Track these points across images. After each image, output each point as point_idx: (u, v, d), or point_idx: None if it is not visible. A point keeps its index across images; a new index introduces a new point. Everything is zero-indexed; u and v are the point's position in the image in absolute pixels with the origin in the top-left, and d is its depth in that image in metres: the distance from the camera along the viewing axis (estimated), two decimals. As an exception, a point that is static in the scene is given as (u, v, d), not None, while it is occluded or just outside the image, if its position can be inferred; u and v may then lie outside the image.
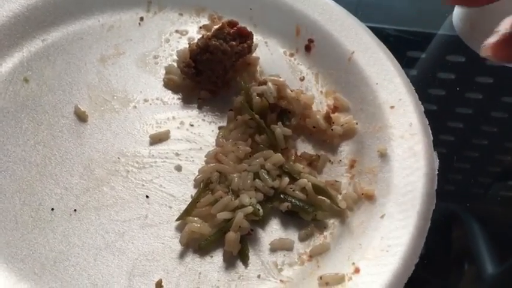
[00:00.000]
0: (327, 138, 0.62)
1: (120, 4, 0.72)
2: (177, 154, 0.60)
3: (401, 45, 0.71)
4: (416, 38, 0.79)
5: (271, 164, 0.57)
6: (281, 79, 0.62)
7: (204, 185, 0.57)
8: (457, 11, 0.76)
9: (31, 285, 0.50)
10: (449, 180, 0.58)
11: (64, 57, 0.67)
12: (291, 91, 0.62)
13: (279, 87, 0.61)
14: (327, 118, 0.62)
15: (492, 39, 0.41)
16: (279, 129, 0.59)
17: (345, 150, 0.62)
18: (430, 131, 0.60)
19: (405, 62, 0.67)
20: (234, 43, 0.62)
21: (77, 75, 0.65)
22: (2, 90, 0.63)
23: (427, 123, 0.60)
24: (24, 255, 0.51)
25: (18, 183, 0.56)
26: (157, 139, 0.61)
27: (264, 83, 0.61)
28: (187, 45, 0.67)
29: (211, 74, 0.63)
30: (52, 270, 0.51)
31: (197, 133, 0.62)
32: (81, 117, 0.62)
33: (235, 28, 0.63)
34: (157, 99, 0.65)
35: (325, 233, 0.56)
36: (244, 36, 0.64)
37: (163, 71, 0.67)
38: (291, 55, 0.70)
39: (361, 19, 0.70)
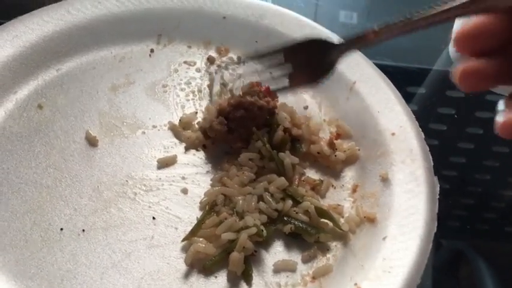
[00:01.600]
0: (330, 164, 0.63)
1: (131, 37, 0.75)
2: (183, 178, 0.62)
3: (400, 81, 0.72)
4: (414, 73, 0.81)
5: (275, 188, 0.59)
6: (289, 106, 0.65)
7: (210, 207, 0.58)
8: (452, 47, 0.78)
9: (38, 302, 0.51)
10: (453, 216, 0.59)
11: (77, 85, 0.70)
12: (299, 117, 0.65)
13: (289, 114, 0.63)
14: (331, 144, 0.64)
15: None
16: (288, 158, 0.60)
17: (348, 175, 0.63)
18: (431, 157, 0.61)
19: (405, 97, 0.68)
20: (269, 99, 0.63)
21: (89, 103, 0.68)
22: (16, 116, 0.65)
23: (428, 149, 0.62)
24: (33, 273, 0.53)
25: (29, 204, 0.58)
26: (165, 163, 0.62)
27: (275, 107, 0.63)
28: (208, 102, 0.69)
29: (244, 131, 0.62)
30: (59, 288, 0.52)
31: (203, 158, 0.64)
32: (92, 142, 0.64)
33: (264, 87, 0.64)
34: (165, 125, 0.67)
35: (328, 255, 0.56)
36: (270, 94, 0.64)
37: (171, 99, 0.70)
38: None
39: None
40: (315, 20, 0.87)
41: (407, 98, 0.68)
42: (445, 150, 0.69)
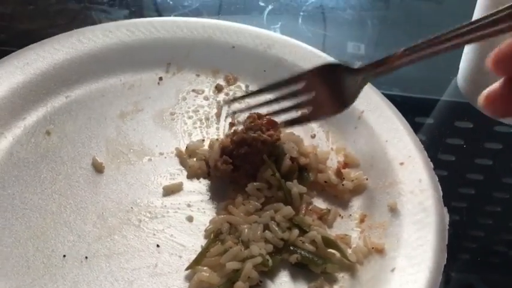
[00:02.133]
0: (337, 193, 0.63)
1: (141, 65, 0.76)
2: (189, 205, 0.61)
3: (408, 111, 0.72)
4: (423, 103, 0.80)
5: (281, 216, 0.58)
6: (296, 135, 0.64)
7: (214, 235, 0.57)
8: (461, 73, 0.78)
9: (38, 330, 0.49)
10: (464, 249, 0.58)
11: (85, 112, 0.70)
12: (306, 146, 0.64)
13: (296, 143, 0.63)
14: (338, 174, 0.63)
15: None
16: (295, 188, 0.59)
17: (355, 205, 0.62)
18: (440, 187, 0.60)
19: (413, 127, 0.67)
20: (272, 132, 0.62)
21: (97, 130, 0.68)
22: (24, 142, 0.65)
23: (437, 179, 0.61)
24: (34, 300, 0.52)
25: (33, 229, 0.57)
26: (170, 190, 0.62)
27: (282, 141, 0.63)
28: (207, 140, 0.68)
29: (250, 167, 0.61)
30: (60, 316, 0.51)
31: (209, 185, 0.64)
32: (98, 168, 0.64)
33: (265, 118, 0.63)
34: (171, 152, 0.67)
35: (334, 287, 0.55)
36: (273, 125, 0.63)
37: (179, 127, 0.70)
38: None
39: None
40: (323, 51, 0.89)
41: (416, 128, 0.68)
42: (454, 181, 0.68)
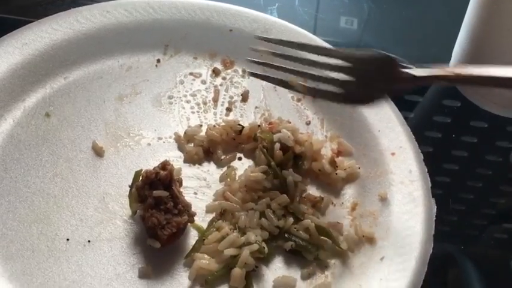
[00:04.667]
0: (330, 181, 0.65)
1: (139, 47, 0.76)
2: (186, 191, 0.63)
3: None
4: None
5: (276, 204, 0.60)
6: (291, 124, 0.66)
7: (210, 222, 0.59)
8: (454, 61, 0.80)
9: (44, 312, 0.52)
10: (445, 221, 0.61)
11: (84, 94, 0.71)
12: (301, 134, 0.66)
13: (291, 132, 0.64)
14: (332, 162, 0.65)
15: None
16: (291, 176, 0.61)
17: (347, 193, 0.65)
18: (429, 178, 0.63)
19: (403, 105, 0.70)
20: (180, 219, 0.57)
21: (96, 112, 0.69)
22: (24, 124, 0.66)
23: (426, 170, 0.64)
24: (39, 283, 0.54)
25: (36, 213, 0.59)
26: (169, 176, 0.64)
27: (278, 130, 0.64)
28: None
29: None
30: (65, 299, 0.53)
31: (207, 171, 0.65)
32: (98, 152, 0.65)
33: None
34: (170, 137, 0.68)
35: (326, 273, 0.58)
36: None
37: (177, 111, 0.71)
38: (298, 100, 0.74)
39: None
40: (315, 25, 0.90)
41: (406, 106, 0.71)
42: (439, 157, 0.70)
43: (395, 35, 0.92)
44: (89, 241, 0.58)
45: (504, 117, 0.76)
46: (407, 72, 0.52)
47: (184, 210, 0.57)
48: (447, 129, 0.77)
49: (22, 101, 0.68)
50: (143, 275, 0.56)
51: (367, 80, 0.53)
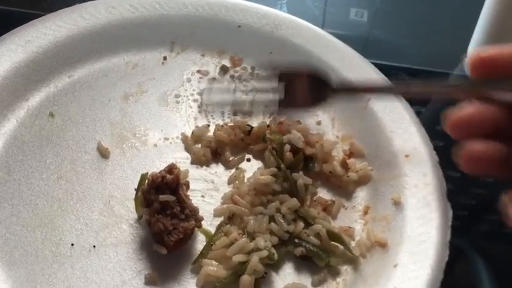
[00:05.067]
0: (342, 184, 0.63)
1: (145, 43, 0.74)
2: (194, 193, 0.61)
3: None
4: (425, 76, 0.81)
5: (286, 208, 0.58)
6: (301, 124, 0.64)
7: (218, 226, 0.58)
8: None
9: (48, 320, 0.51)
10: (454, 216, 0.59)
11: (89, 93, 0.69)
12: (312, 135, 0.64)
13: (302, 132, 0.63)
14: (344, 164, 0.63)
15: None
16: (301, 179, 0.60)
17: (359, 196, 0.63)
18: (444, 182, 0.61)
19: (415, 99, 0.69)
20: (188, 224, 0.55)
21: (101, 112, 0.68)
22: (28, 124, 0.65)
23: (441, 173, 0.62)
24: (44, 289, 0.53)
25: (40, 217, 0.58)
26: (176, 178, 0.62)
27: (288, 131, 0.63)
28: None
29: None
30: (70, 306, 0.52)
31: (215, 173, 0.64)
32: (103, 153, 0.64)
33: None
34: (177, 138, 0.66)
35: (338, 280, 0.56)
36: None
37: (184, 111, 0.69)
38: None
39: (370, 55, 0.73)
40: (324, 17, 0.88)
41: (417, 101, 0.70)
42: (449, 151, 0.69)
43: (406, 28, 0.90)
44: (94, 246, 0.56)
45: None
46: (328, 84, 0.56)
47: (192, 215, 0.55)
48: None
49: (26, 100, 0.67)
50: (149, 281, 0.54)
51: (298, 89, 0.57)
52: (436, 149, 0.63)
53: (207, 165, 0.64)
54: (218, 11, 0.76)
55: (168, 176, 0.56)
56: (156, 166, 0.63)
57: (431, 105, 0.77)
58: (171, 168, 0.57)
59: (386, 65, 0.74)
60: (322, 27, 0.77)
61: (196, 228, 0.56)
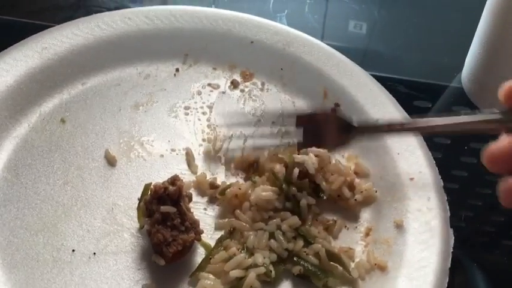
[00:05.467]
0: (348, 206, 0.63)
1: (158, 55, 0.75)
2: (196, 206, 0.62)
3: (408, 95, 0.77)
4: (423, 89, 0.81)
5: (287, 226, 0.58)
6: (323, 150, 0.63)
7: (218, 240, 0.58)
8: (466, 72, 0.78)
9: (44, 325, 0.51)
10: (453, 228, 0.59)
11: (100, 101, 0.70)
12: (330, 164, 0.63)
13: (321, 159, 0.62)
14: (351, 187, 0.63)
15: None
16: (304, 199, 0.60)
17: (362, 217, 0.63)
18: (448, 207, 0.60)
19: (413, 111, 0.69)
20: (187, 236, 0.55)
21: (111, 120, 0.69)
22: (39, 129, 0.66)
23: (446, 198, 0.61)
24: (42, 294, 0.53)
25: (44, 221, 0.58)
26: (179, 190, 0.62)
27: (305, 152, 0.62)
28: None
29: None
30: (66, 311, 0.52)
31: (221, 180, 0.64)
32: (110, 161, 0.64)
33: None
34: (183, 149, 0.67)
35: (335, 301, 0.56)
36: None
37: (192, 123, 0.70)
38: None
39: (369, 67, 0.74)
40: (324, 29, 0.89)
41: (415, 112, 0.69)
42: (448, 163, 0.69)
43: (405, 41, 0.91)
44: (94, 253, 0.57)
45: None
46: (350, 125, 0.59)
47: (192, 228, 0.56)
48: (456, 135, 0.76)
49: (38, 105, 0.68)
50: (147, 291, 0.55)
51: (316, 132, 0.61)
52: (435, 161, 0.64)
53: (213, 177, 0.65)
54: (232, 26, 0.77)
55: (171, 188, 0.56)
56: (161, 177, 0.64)
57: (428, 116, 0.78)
58: (174, 180, 0.57)
59: (385, 77, 0.75)
60: (322, 39, 0.78)
61: (196, 241, 0.56)
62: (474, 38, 0.75)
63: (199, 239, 0.56)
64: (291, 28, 0.78)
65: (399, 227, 0.60)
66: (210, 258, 0.56)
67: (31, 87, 0.68)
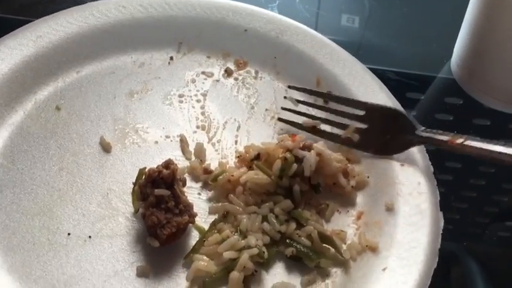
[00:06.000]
0: (344, 193, 0.63)
1: (152, 43, 0.76)
2: (190, 191, 0.63)
3: (400, 87, 0.77)
4: (415, 80, 0.82)
5: (280, 209, 0.59)
6: (328, 152, 0.62)
7: (212, 223, 0.59)
8: (455, 58, 0.79)
9: (41, 306, 0.52)
10: (448, 219, 0.60)
11: (95, 89, 0.71)
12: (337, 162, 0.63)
13: (321, 159, 0.61)
14: (345, 174, 0.63)
15: None
16: (297, 185, 0.60)
17: (354, 201, 0.64)
18: (438, 192, 0.61)
19: (405, 103, 0.70)
20: (182, 218, 0.56)
21: (105, 108, 0.69)
22: (34, 117, 0.67)
23: (436, 183, 0.62)
24: (38, 276, 0.54)
25: (40, 206, 0.59)
26: (173, 175, 0.63)
27: (309, 148, 0.61)
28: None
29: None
30: (62, 293, 0.53)
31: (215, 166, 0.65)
32: (105, 148, 0.65)
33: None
34: (178, 136, 0.68)
35: (327, 281, 0.57)
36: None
37: (186, 110, 0.70)
38: (310, 105, 0.73)
39: (363, 61, 0.75)
40: (317, 23, 0.90)
41: (408, 104, 0.72)
42: (441, 154, 0.69)
43: (396, 33, 0.92)
44: (89, 236, 0.58)
45: (506, 115, 0.76)
46: (414, 127, 0.61)
47: (186, 211, 0.56)
48: (449, 127, 0.75)
49: (34, 93, 0.69)
50: (141, 273, 0.55)
51: (376, 129, 0.63)
52: (428, 153, 0.65)
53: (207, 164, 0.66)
54: (226, 14, 0.78)
55: (165, 171, 0.57)
56: (156, 162, 0.63)
57: (420, 108, 0.79)
58: (168, 164, 0.58)
59: (378, 69, 0.75)
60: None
61: (190, 224, 0.57)
62: (463, 23, 0.76)
63: (193, 222, 0.57)
64: (284, 16, 0.79)
65: (390, 210, 0.61)
66: (204, 241, 0.57)
67: (26, 75, 0.69)
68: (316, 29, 0.79)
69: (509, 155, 0.53)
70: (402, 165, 0.64)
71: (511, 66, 0.72)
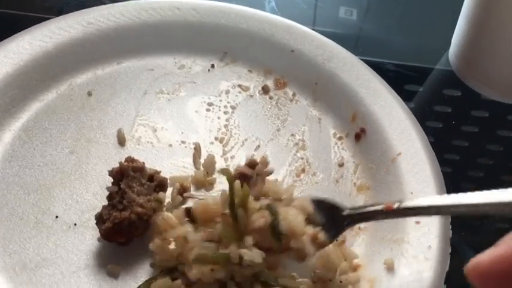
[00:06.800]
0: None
1: (198, 48, 0.76)
2: (190, 199, 0.61)
3: (399, 79, 0.77)
4: (414, 72, 0.81)
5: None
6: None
7: (169, 270, 0.54)
8: (453, 49, 0.78)
9: (6, 280, 0.52)
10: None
11: (129, 82, 0.71)
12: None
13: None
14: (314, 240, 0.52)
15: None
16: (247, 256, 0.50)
17: (355, 250, 0.58)
18: (448, 261, 0.54)
19: (403, 95, 0.69)
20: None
21: (133, 102, 0.70)
22: (65, 98, 0.68)
23: (449, 251, 0.55)
24: (14, 251, 0.55)
25: (40, 183, 0.60)
26: (175, 181, 0.62)
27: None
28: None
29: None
30: (30, 273, 0.53)
31: (220, 182, 0.63)
32: (120, 141, 0.65)
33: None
34: (193, 143, 0.66)
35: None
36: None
37: (210, 120, 0.69)
38: (339, 138, 0.68)
39: (361, 54, 0.75)
40: (315, 15, 0.89)
41: (407, 96, 0.72)
42: (440, 147, 0.66)
43: (394, 25, 0.90)
44: (75, 224, 0.57)
45: (505, 106, 0.75)
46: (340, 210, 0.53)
47: (129, 206, 0.55)
48: (448, 118, 0.76)
49: (71, 76, 0.71)
50: (111, 273, 0.54)
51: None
52: None
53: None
54: (276, 31, 0.76)
55: (115, 168, 0.57)
56: (162, 165, 0.64)
57: (418, 100, 0.77)
58: (127, 160, 0.58)
59: (376, 62, 0.76)
60: (313, 26, 0.78)
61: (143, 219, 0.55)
62: (460, 14, 0.74)
63: (134, 219, 0.54)
64: (334, 42, 0.75)
65: (389, 269, 0.54)
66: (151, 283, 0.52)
67: (67, 57, 0.71)
68: (314, 23, 0.77)
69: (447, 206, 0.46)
70: (417, 223, 0.57)
71: (509, 56, 0.71)
